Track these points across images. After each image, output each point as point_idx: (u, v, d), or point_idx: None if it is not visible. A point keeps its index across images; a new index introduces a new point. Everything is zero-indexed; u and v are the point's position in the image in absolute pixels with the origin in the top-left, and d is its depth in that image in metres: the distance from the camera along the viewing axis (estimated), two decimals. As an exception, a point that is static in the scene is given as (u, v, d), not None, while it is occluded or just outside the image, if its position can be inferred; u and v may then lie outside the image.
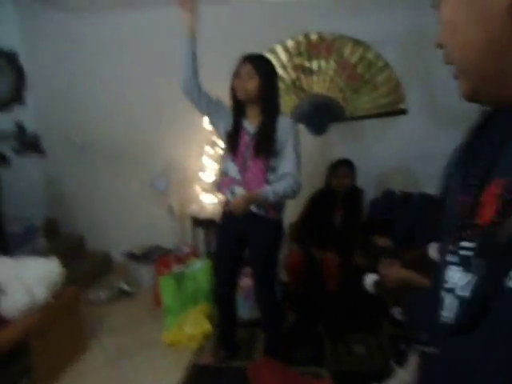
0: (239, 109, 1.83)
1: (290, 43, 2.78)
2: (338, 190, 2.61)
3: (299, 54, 2.79)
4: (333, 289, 2.49)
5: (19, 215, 3.01)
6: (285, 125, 1.76)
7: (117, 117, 3.64)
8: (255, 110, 1.80)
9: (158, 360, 2.25)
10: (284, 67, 2.80)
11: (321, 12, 3.27)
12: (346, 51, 2.73)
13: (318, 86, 2.82)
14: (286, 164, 1.73)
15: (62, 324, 2.16)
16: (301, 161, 1.78)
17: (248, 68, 1.73)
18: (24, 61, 3.53)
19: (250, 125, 1.81)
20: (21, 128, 3.47)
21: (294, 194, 1.74)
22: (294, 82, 2.83)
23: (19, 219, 2.97)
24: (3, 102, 3.40)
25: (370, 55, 2.72)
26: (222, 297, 2.06)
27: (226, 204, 1.90)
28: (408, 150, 3.34)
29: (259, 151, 1.75)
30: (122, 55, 3.57)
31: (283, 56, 2.79)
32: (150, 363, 2.22)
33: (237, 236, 1.91)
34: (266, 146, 1.74)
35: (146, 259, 3.27)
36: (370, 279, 1.91)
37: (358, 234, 2.64)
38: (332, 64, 2.76)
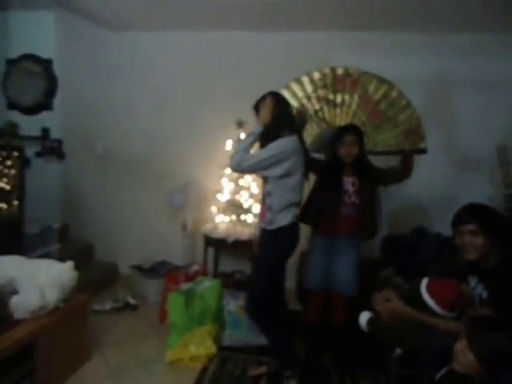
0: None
1: (316, 75, 2.84)
2: (344, 160, 2.37)
3: (324, 86, 2.86)
4: (339, 321, 2.43)
5: (36, 217, 3.03)
6: None
7: (141, 131, 3.72)
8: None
9: (160, 377, 2.20)
10: (308, 98, 2.86)
11: (347, 48, 3.40)
12: (371, 87, 2.78)
13: (341, 119, 2.86)
14: None
15: (68, 330, 2.13)
16: (260, 160, 2.00)
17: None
18: (57, 69, 3.64)
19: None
20: (45, 132, 3.56)
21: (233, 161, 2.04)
22: (316, 112, 2.89)
23: (36, 221, 3.00)
24: (33, 107, 3.50)
25: (393, 93, 2.77)
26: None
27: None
28: (425, 189, 3.36)
29: None
30: (152, 73, 3.68)
31: (308, 87, 2.86)
32: (151, 380, 2.17)
33: None
34: None
35: (153, 274, 3.26)
36: (364, 317, 1.77)
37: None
38: (356, 98, 2.82)
